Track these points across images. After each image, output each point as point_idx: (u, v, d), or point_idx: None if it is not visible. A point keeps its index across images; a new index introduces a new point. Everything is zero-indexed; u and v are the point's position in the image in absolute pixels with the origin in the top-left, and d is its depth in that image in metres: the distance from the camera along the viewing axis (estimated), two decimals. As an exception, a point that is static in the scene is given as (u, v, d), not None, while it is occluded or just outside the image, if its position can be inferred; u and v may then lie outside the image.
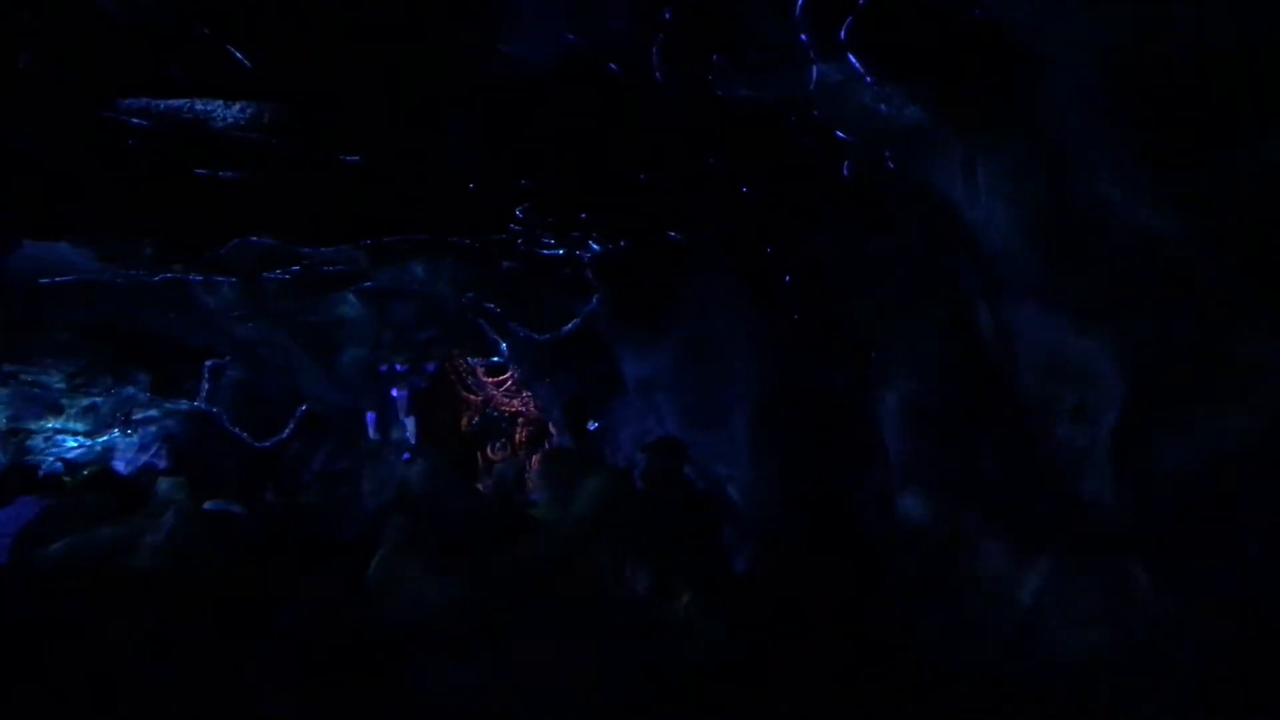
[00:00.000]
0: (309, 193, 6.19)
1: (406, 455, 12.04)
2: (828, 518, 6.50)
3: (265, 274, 9.12)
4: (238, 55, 4.08)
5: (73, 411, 12.04)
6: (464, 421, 13.72)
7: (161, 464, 13.21)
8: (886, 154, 4.01)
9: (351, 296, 10.02)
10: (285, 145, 5.08)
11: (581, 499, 3.14)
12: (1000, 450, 5.05)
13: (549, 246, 8.02)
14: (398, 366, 11.32)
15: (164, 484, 4.21)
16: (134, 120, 4.63)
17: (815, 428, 6.44)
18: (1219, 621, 3.41)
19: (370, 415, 11.61)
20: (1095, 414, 4.04)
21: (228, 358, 12.66)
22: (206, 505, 4.30)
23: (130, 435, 13.38)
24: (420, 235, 7.64)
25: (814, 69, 3.56)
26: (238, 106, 4.69)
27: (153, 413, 13.33)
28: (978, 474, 5.27)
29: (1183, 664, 3.54)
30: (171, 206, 5.99)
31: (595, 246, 7.80)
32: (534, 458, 11.82)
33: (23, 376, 11.43)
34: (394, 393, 11.57)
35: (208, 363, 12.70)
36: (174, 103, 4.59)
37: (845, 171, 4.46)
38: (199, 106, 4.65)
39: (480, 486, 6.22)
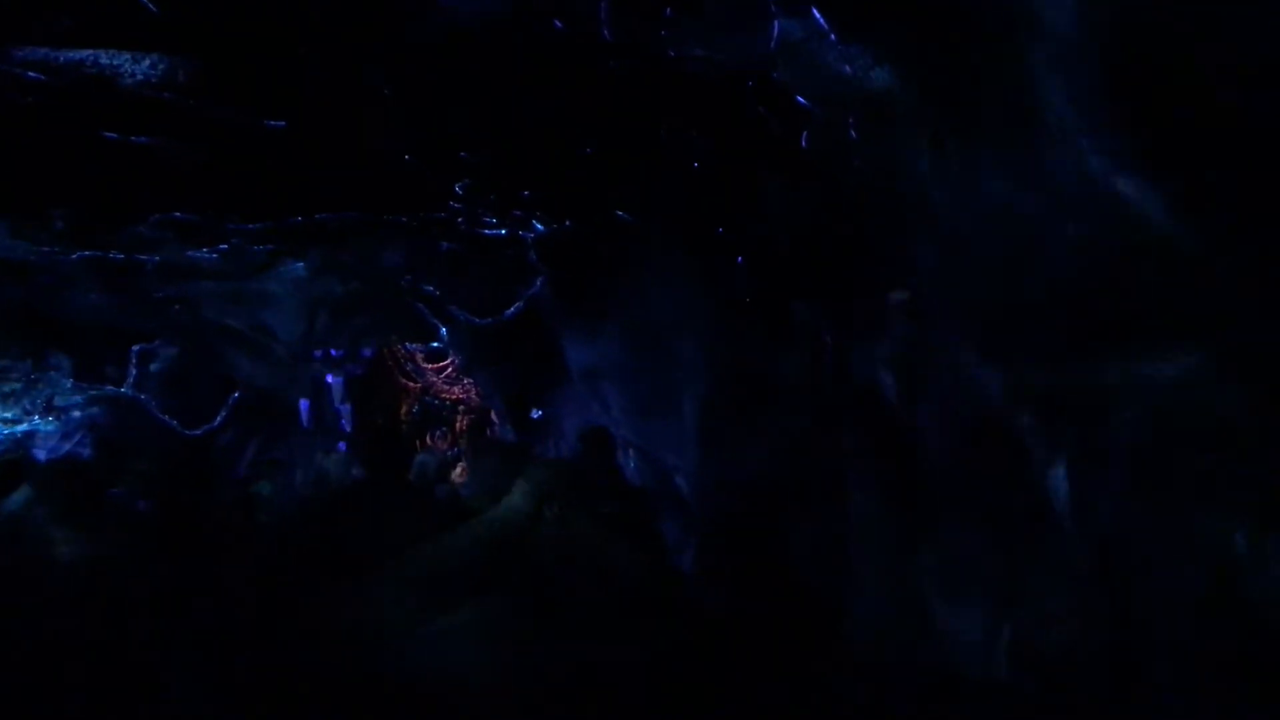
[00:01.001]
0: (232, 163, 5.79)
1: (343, 445, 11.66)
2: (779, 510, 6.27)
3: (190, 253, 8.65)
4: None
5: (-10, 397, 11.48)
6: (404, 410, 13.35)
7: (86, 452, 12.74)
8: (849, 122, 3.75)
9: (283, 278, 9.58)
10: (202, 107, 4.69)
11: (517, 491, 2.90)
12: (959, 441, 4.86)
13: (491, 226, 7.68)
14: (333, 352, 10.89)
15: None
16: (30, 74, 4.21)
17: (767, 416, 6.19)
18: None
19: (304, 403, 11.16)
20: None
21: (157, 342, 12.15)
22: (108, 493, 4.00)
23: (52, 422, 12.82)
24: (353, 213, 7.25)
25: (775, 24, 3.29)
26: (148, 62, 4.28)
27: (76, 399, 12.78)
28: (936, 466, 5.08)
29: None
30: (81, 175, 5.56)
31: (539, 227, 7.48)
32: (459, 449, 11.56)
33: (-64, 361, 10.86)
34: (329, 379, 11.13)
35: (135, 347, 12.18)
36: (76, 55, 4.18)
37: (804, 143, 4.20)
38: (104, 60, 4.24)
39: (411, 478, 5.92)
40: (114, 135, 4.88)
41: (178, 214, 7.29)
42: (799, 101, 3.85)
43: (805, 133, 4.16)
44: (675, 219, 6.04)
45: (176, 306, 10.14)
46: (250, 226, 7.60)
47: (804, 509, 6.06)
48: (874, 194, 4.25)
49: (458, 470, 9.87)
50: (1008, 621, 4.64)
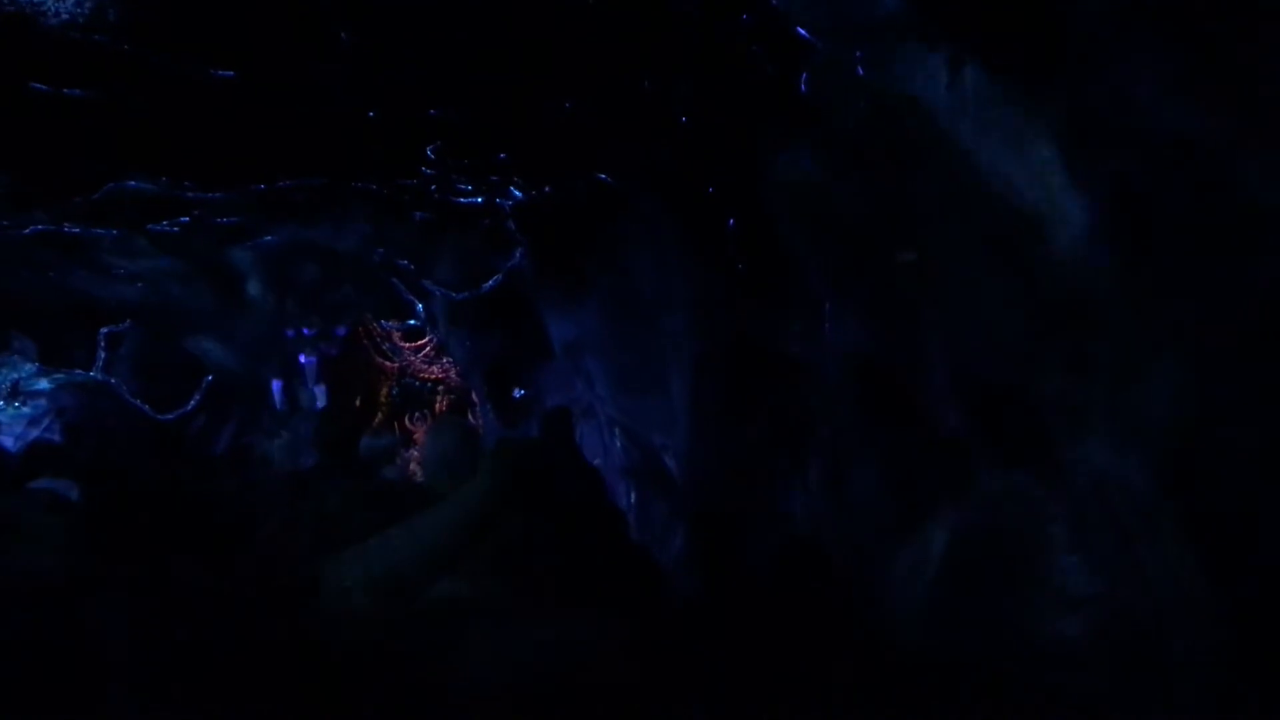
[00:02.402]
0: (180, 121, 5.35)
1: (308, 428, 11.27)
2: (775, 491, 5.91)
3: (151, 226, 8.21)
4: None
5: (-50, 382, 11.08)
6: (384, 391, 12.94)
7: (55, 438, 12.37)
8: (857, 56, 3.35)
9: (250, 254, 9.14)
10: (140, 54, 4.24)
11: (480, 474, 2.60)
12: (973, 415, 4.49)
13: (466, 194, 7.26)
14: (305, 331, 10.44)
15: None
16: (-62, 12, 3.77)
17: (762, 392, 5.81)
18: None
19: (276, 384, 10.72)
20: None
21: (127, 323, 11.72)
22: (31, 484, 3.62)
23: (18, 408, 12.40)
24: (318, 179, 6.81)
25: (775, -61, 2.90)
26: None
27: (43, 384, 12.38)
28: (936, 445, 4.71)
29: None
30: (14, 134, 5.11)
31: (517, 193, 7.06)
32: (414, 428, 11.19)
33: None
34: (301, 359, 10.69)
35: (104, 329, 11.77)
36: (-10, -9, 3.74)
37: (804, 86, 3.79)
38: (23, -3, 3.80)
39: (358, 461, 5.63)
40: (43, 87, 4.44)
41: (131, 183, 6.85)
42: (799, 34, 3.45)
43: (805, 73, 3.75)
44: (661, 180, 5.63)
45: (140, 284, 9.69)
46: (210, 196, 7.16)
47: (802, 490, 5.69)
48: (883, 141, 3.85)
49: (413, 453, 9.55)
50: (1028, 607, 4.28)
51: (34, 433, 12.32)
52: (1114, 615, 3.58)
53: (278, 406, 10.93)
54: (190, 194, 6.99)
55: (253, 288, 9.63)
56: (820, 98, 3.86)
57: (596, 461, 8.22)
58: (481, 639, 2.43)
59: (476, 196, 7.26)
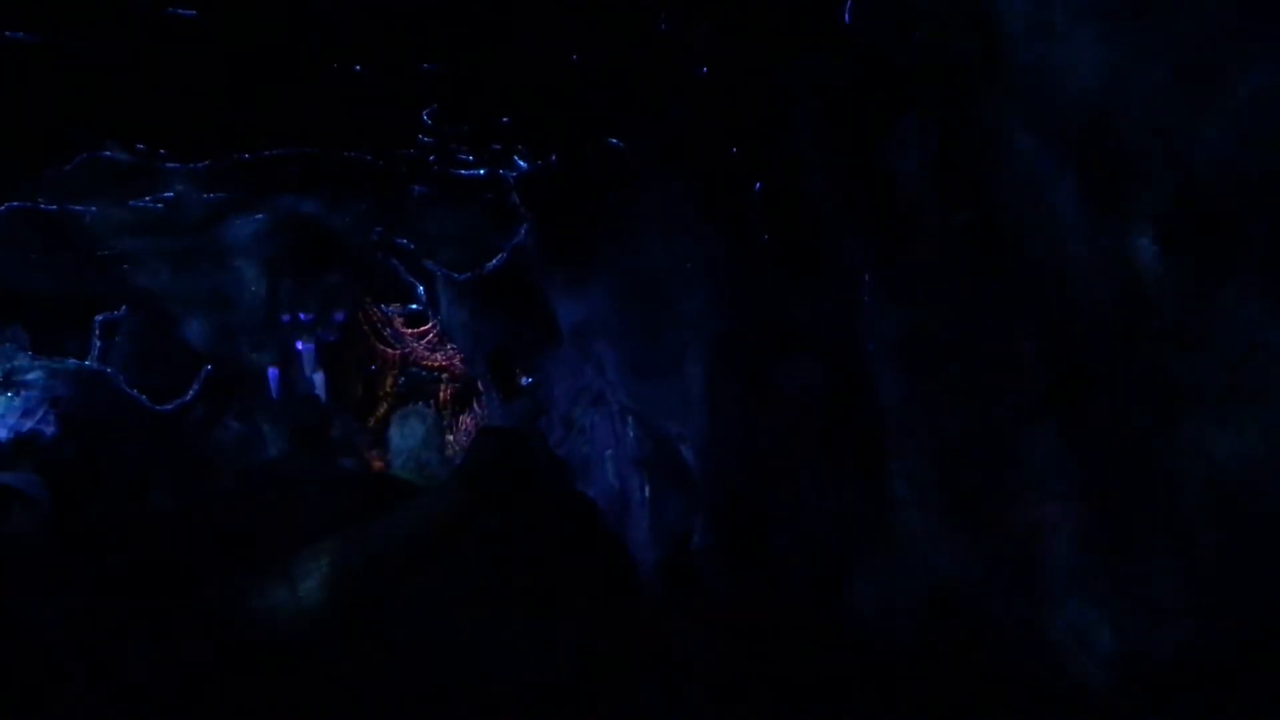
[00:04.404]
0: (150, 82, 4.85)
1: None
2: (800, 485, 5.38)
3: (132, 202, 7.72)
4: None
5: (-56, 374, 10.69)
6: (390, 381, 12.47)
7: (49, 429, 11.97)
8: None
9: (240, 233, 8.63)
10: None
11: (460, 469, 2.28)
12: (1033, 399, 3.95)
13: (467, 165, 6.74)
14: (301, 316, 9.94)
15: None
16: None
17: (788, 375, 5.27)
18: None
19: (272, 371, 10.22)
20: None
21: (123, 309, 11.29)
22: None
23: (12, 398, 11.98)
24: (308, 149, 6.31)
25: None
26: (6, -78, 3.33)
27: (37, 374, 11.96)
28: (998, 431, 4.18)
29: None
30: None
31: (521, 163, 6.54)
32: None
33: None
34: (298, 346, 10.19)
35: (98, 317, 11.34)
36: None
37: (847, 16, 3.25)
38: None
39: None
40: (-16, 30, 3.94)
41: (106, 153, 6.36)
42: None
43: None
44: (677, 142, 5.10)
45: (125, 266, 9.20)
46: (191, 166, 6.66)
47: (832, 482, 5.16)
48: (940, 77, 3.30)
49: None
50: (1104, 618, 3.75)
51: (29, 423, 11.93)
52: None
53: (274, 395, 10.44)
54: (170, 164, 6.48)
55: (243, 270, 9.13)
56: (864, 34, 3.33)
57: (608, 452, 7.71)
58: (446, 635, 2.54)
59: (478, 168, 6.74)
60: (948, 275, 3.80)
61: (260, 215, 8.22)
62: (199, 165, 6.63)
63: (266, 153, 6.39)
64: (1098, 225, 3.20)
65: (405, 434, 3.01)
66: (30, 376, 11.77)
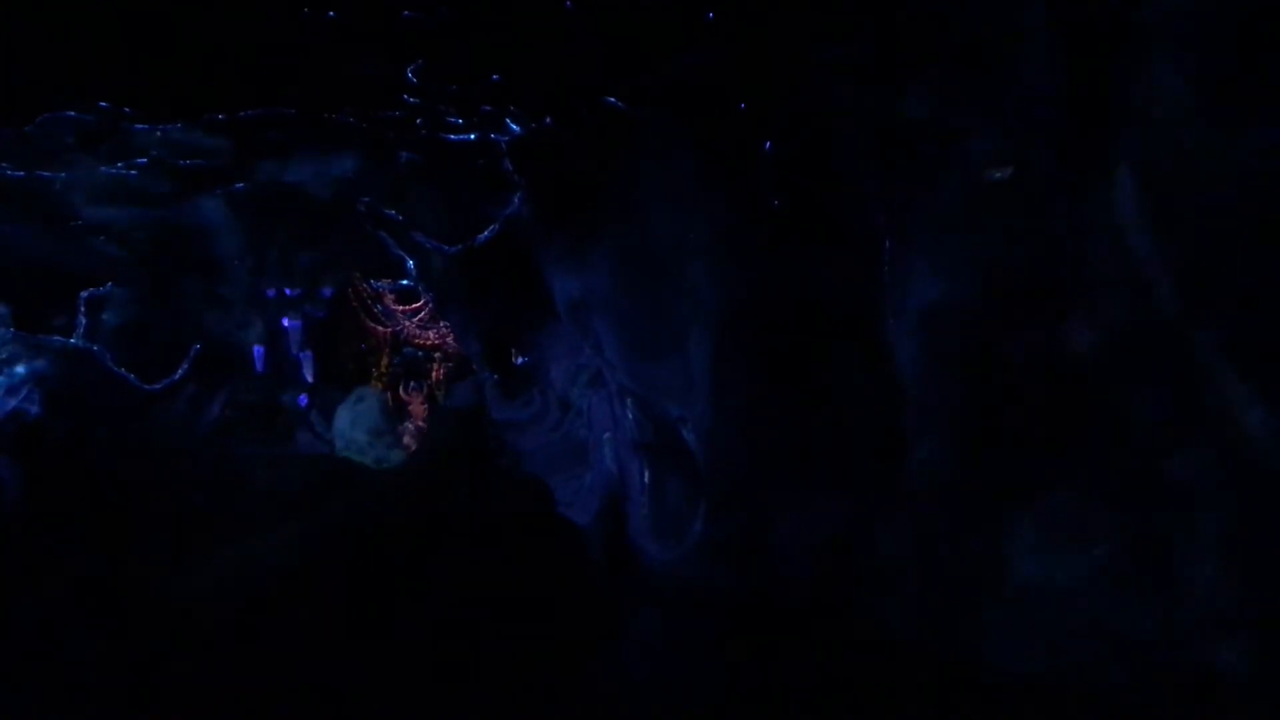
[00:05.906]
0: (106, 26, 4.44)
1: (304, 398, 10.39)
2: (812, 471, 4.99)
3: (105, 169, 7.30)
4: None
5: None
6: (385, 361, 12.06)
7: (34, 409, 11.59)
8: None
9: (221, 203, 8.22)
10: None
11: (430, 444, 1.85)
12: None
13: (456, 129, 6.32)
14: (287, 291, 9.52)
15: None
16: None
17: (799, 353, 4.88)
18: None
19: (258, 349, 9.81)
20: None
21: (109, 285, 10.89)
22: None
23: (-5, 378, 11.61)
24: (283, 108, 5.89)
25: None
26: None
27: (19, 351, 11.59)
28: (1027, 414, 3.80)
29: None
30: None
31: (514, 126, 6.11)
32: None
33: None
34: (285, 323, 9.77)
35: (84, 293, 10.94)
36: None
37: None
38: None
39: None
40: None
41: (70, 112, 5.94)
42: None
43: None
44: (681, 98, 4.68)
45: (101, 238, 8.80)
46: (162, 129, 6.24)
47: (848, 468, 4.78)
48: (970, 20, 2.89)
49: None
50: (1148, 615, 3.38)
51: (12, 402, 11.59)
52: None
53: (259, 373, 10.04)
54: (138, 125, 6.07)
55: (225, 242, 8.71)
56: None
57: (606, 435, 7.32)
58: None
59: (469, 132, 6.31)
60: (968, 246, 3.41)
61: (241, 185, 7.81)
62: (170, 127, 6.22)
63: (242, 114, 5.97)
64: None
65: (356, 415, 2.73)
66: (12, 353, 11.42)
